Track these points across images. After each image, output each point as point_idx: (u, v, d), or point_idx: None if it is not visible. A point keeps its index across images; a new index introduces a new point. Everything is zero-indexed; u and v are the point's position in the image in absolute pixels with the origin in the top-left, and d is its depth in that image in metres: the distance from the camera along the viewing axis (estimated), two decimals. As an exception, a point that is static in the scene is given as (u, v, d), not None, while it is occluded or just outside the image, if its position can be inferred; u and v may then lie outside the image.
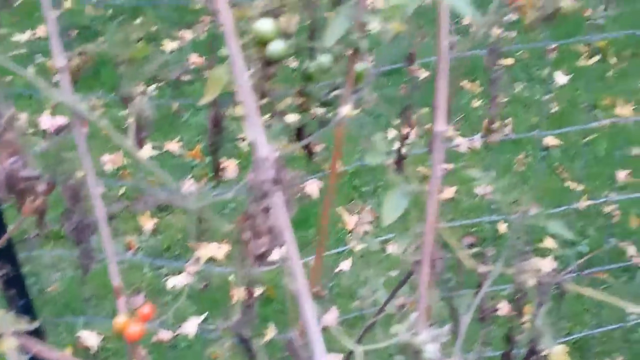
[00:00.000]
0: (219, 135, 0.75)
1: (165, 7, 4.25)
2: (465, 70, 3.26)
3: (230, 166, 2.62)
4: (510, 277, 0.89)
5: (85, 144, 0.67)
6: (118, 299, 0.68)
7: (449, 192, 2.58)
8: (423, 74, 3.27)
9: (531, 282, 0.86)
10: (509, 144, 2.76)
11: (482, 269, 0.90)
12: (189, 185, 2.65)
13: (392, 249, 2.21)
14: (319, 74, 0.69)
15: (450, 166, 2.69)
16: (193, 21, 3.80)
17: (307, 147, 0.81)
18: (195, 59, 3.40)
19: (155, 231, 2.48)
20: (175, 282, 2.30)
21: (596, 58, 3.14)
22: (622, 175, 2.50)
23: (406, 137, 0.85)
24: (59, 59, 0.63)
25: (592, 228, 2.29)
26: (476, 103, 3.03)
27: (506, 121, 2.87)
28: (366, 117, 3.09)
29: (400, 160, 0.83)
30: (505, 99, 3.01)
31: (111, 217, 0.74)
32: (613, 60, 3.14)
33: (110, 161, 2.76)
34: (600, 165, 2.56)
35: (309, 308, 0.63)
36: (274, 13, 0.67)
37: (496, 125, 3.04)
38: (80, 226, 0.65)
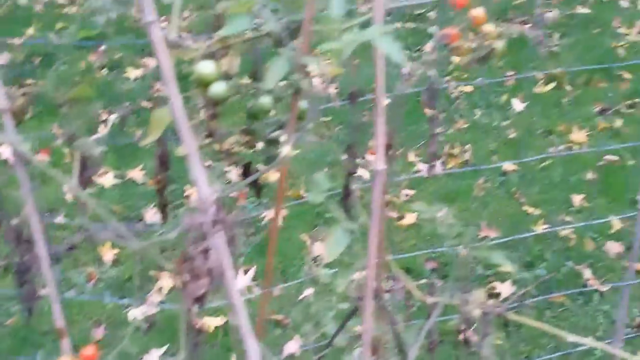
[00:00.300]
0: (165, 173, 0.75)
1: (129, 34, 4.25)
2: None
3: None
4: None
5: (31, 181, 0.67)
6: (62, 340, 0.67)
7: (411, 217, 2.61)
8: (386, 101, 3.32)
9: (476, 312, 0.87)
10: (469, 169, 2.81)
11: (430, 300, 0.92)
12: (151, 214, 2.63)
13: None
14: (262, 114, 0.71)
15: (412, 192, 2.73)
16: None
17: (255, 183, 0.82)
18: (159, 86, 3.40)
19: (116, 262, 2.45)
20: (136, 313, 2.28)
21: (552, 85, 3.24)
22: (577, 199, 2.57)
23: (353, 172, 0.87)
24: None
25: (549, 252, 2.34)
26: (437, 129, 3.08)
27: (466, 147, 2.93)
28: (331, 144, 3.12)
29: (347, 193, 0.85)
30: (465, 125, 3.08)
31: (71, 248, 0.74)
32: (568, 87, 3.24)
33: (70, 191, 2.73)
34: (556, 189, 2.63)
35: (251, 344, 0.64)
36: (216, 54, 0.68)
37: (456, 151, 3.08)
38: (22, 268, 0.65)
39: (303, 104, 0.73)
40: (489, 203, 2.63)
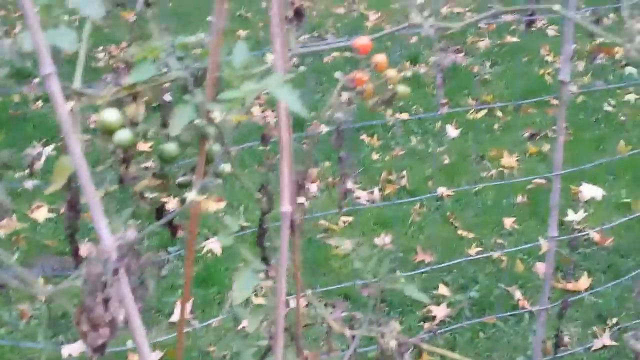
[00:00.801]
0: (75, 219, 0.75)
1: (67, 64, 4.17)
2: (363, 125, 3.39)
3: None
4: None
5: None
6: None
7: (349, 244, 2.63)
8: (324, 129, 3.37)
9: (392, 343, 0.90)
10: (406, 195, 2.87)
11: (348, 332, 0.94)
12: (85, 248, 2.57)
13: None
14: (170, 159, 0.72)
15: (350, 219, 2.77)
16: (96, 79, 3.75)
17: (170, 225, 0.83)
18: (95, 118, 3.35)
19: (49, 299, 2.38)
20: (70, 350, 2.22)
21: (484, 112, 3.35)
22: (508, 222, 2.65)
23: (268, 210, 0.88)
24: None
25: (482, 274, 2.40)
26: (375, 156, 3.15)
27: (402, 173, 2.99)
28: (269, 173, 3.14)
29: (262, 232, 0.86)
30: (402, 152, 3.15)
31: (1, 286, 0.72)
32: (499, 113, 3.36)
33: (2, 226, 2.66)
34: (489, 213, 2.71)
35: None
36: (121, 102, 0.69)
37: (393, 177, 3.14)
38: None
39: (215, 146, 0.75)
40: (425, 228, 2.69)
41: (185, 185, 0.77)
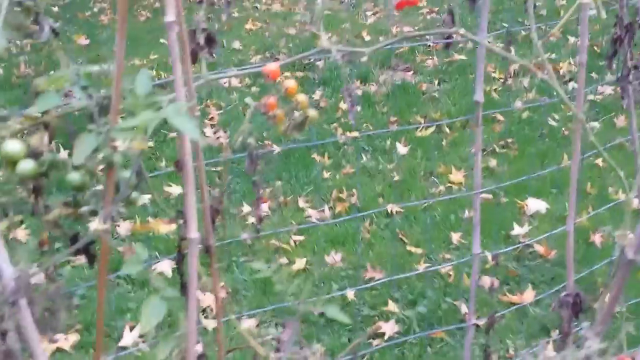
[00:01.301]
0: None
1: (16, 89, 4.13)
2: (316, 142, 3.42)
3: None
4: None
5: None
6: None
7: (301, 263, 2.65)
8: (276, 149, 3.39)
9: (315, 364, 0.91)
10: (355, 212, 2.90)
11: (273, 356, 0.95)
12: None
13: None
14: (77, 188, 0.72)
15: (301, 237, 2.78)
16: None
17: (87, 254, 0.82)
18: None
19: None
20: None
21: (432, 129, 3.41)
22: (455, 237, 2.70)
23: (185, 237, 0.88)
24: None
25: (430, 289, 2.44)
26: (326, 174, 3.17)
27: (353, 191, 3.02)
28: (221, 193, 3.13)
29: (180, 258, 0.87)
30: (352, 170, 3.18)
31: None
32: (447, 130, 3.43)
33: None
34: (437, 229, 2.75)
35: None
36: (26, 132, 0.69)
37: (343, 195, 3.15)
38: None
39: (125, 174, 0.75)
40: (375, 245, 2.71)
41: (97, 213, 0.77)
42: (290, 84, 0.79)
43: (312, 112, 0.80)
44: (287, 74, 4.12)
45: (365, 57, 0.81)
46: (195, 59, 0.79)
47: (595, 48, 4.00)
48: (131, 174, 0.69)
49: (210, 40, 0.79)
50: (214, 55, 0.81)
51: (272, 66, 0.78)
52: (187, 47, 0.71)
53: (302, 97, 0.80)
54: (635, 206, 2.34)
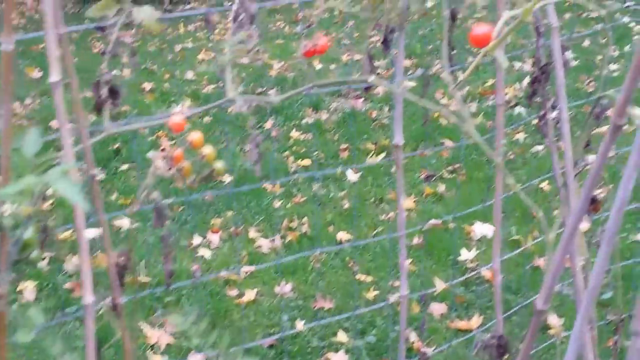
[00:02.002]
0: None
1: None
2: (266, 172, 3.42)
3: None
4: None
5: None
6: None
7: (251, 294, 2.63)
8: (227, 179, 3.38)
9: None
10: (306, 241, 2.90)
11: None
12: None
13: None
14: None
15: (252, 268, 2.76)
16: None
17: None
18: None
19: None
20: None
21: (382, 155, 3.45)
22: (405, 263, 2.72)
23: (121, 282, 0.87)
24: None
25: (379, 318, 2.44)
26: (277, 203, 3.17)
27: (303, 220, 3.02)
28: (171, 224, 3.10)
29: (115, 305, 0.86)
30: (303, 199, 3.19)
31: None
32: (397, 156, 3.47)
33: None
34: (386, 256, 2.77)
35: None
36: None
37: (294, 224, 3.15)
38: None
39: (27, 232, 0.74)
40: (325, 274, 2.72)
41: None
42: (195, 136, 0.80)
43: (219, 165, 0.80)
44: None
45: (273, 103, 0.82)
46: (99, 110, 0.79)
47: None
48: (19, 235, 0.68)
49: (113, 92, 0.79)
50: (117, 106, 0.81)
51: (176, 118, 0.79)
52: (79, 105, 0.71)
53: (208, 150, 0.80)
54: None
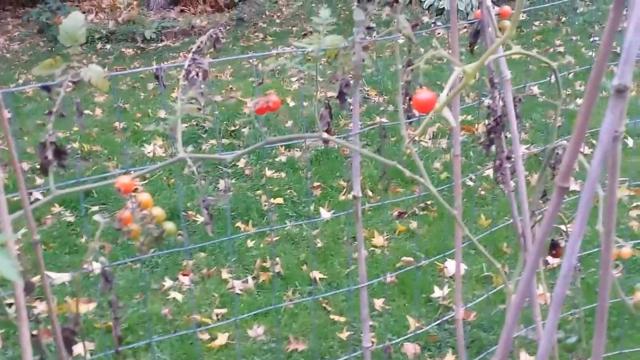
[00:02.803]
0: None
1: None
2: (240, 211, 3.40)
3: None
4: None
5: None
6: None
7: (223, 338, 2.58)
8: (200, 219, 3.35)
9: None
10: (279, 280, 2.87)
11: None
12: None
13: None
14: None
15: (224, 310, 2.72)
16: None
17: None
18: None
19: None
20: None
21: (355, 192, 3.45)
22: (378, 303, 2.70)
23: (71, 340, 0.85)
24: None
25: (353, 359, 2.41)
26: (250, 243, 3.14)
27: (277, 259, 2.99)
28: (142, 267, 3.05)
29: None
30: (276, 238, 3.16)
31: None
32: (369, 193, 3.47)
33: None
34: (360, 295, 2.74)
35: None
36: None
37: (267, 264, 3.11)
38: None
39: None
40: (298, 314, 2.68)
41: None
42: (144, 197, 0.78)
43: (169, 226, 0.79)
44: (213, 141, 4.13)
45: (229, 160, 0.81)
46: (45, 172, 0.77)
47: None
48: None
49: (59, 153, 0.78)
50: (64, 167, 0.79)
51: (124, 179, 0.77)
52: (18, 170, 0.69)
53: (158, 211, 0.79)
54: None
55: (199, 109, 0.83)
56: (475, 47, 1.04)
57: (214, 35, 0.92)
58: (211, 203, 0.79)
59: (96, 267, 3.21)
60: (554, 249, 1.28)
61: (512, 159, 1.04)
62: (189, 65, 0.85)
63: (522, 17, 6.78)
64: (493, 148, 1.20)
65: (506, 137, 1.08)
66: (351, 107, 1.18)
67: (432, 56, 0.96)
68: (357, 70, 0.94)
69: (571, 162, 0.56)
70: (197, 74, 0.87)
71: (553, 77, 0.92)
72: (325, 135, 0.89)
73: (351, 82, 0.96)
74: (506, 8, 0.95)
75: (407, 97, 1.09)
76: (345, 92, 0.95)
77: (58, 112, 0.79)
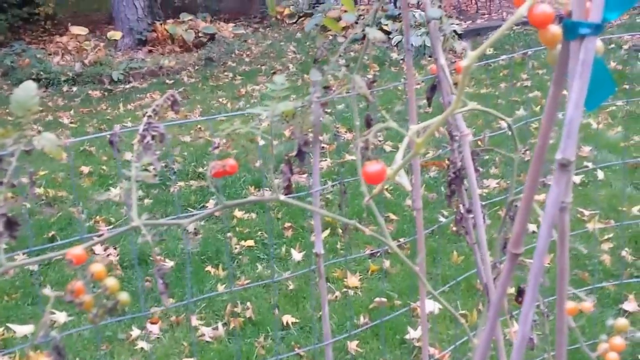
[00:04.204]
0: None
1: None
2: (209, 255, 3.35)
3: None
4: None
5: None
6: None
7: (194, 388, 2.52)
8: (169, 264, 3.30)
9: None
10: (250, 326, 2.82)
11: None
12: None
13: None
14: None
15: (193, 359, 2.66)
16: None
17: None
18: None
19: None
20: None
21: (327, 232, 3.44)
22: (352, 346, 2.67)
23: None
24: None
25: (327, 407, 2.36)
26: (220, 287, 3.09)
27: (248, 304, 2.95)
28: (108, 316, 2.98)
29: None
30: (247, 281, 3.12)
31: None
32: (340, 232, 3.46)
33: None
34: (333, 337, 2.71)
35: None
36: None
37: (238, 309, 3.06)
38: None
39: None
40: (270, 361, 2.63)
41: None
42: (97, 268, 0.76)
43: (123, 296, 0.77)
44: (182, 183, 4.09)
45: (185, 226, 0.80)
46: (-6, 246, 0.74)
47: (480, 143, 4.22)
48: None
49: (10, 224, 0.76)
50: (15, 238, 0.77)
51: (76, 250, 0.75)
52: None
53: (111, 282, 0.77)
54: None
55: (155, 176, 0.82)
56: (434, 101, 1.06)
57: (172, 98, 0.92)
58: (165, 271, 0.78)
59: (59, 318, 3.10)
60: (520, 296, 1.28)
61: (472, 212, 1.05)
62: (143, 130, 0.84)
63: (489, 51, 6.93)
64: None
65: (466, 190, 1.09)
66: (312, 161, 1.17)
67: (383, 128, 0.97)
68: (316, 128, 0.94)
69: (521, 230, 0.56)
70: (152, 138, 0.86)
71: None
72: (282, 197, 0.88)
73: (310, 140, 0.95)
74: (462, 64, 0.96)
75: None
76: (304, 151, 0.95)
77: (9, 182, 0.77)
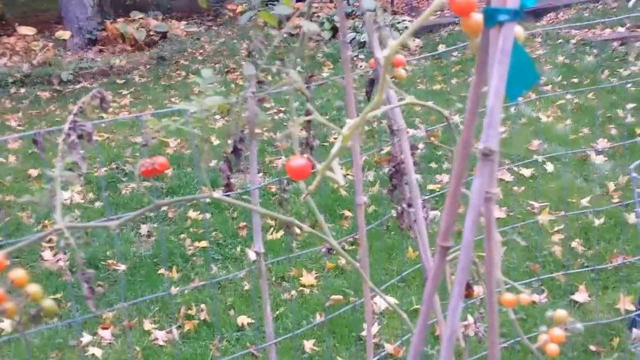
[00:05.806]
0: None
1: None
2: (163, 256, 3.29)
3: None
4: None
5: None
6: None
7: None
8: (121, 267, 3.22)
9: None
10: (205, 328, 2.78)
11: None
12: None
13: None
14: None
15: (148, 364, 2.60)
16: None
17: None
18: None
19: None
20: None
21: (282, 232, 3.41)
22: (308, 344, 2.65)
23: None
24: None
25: (284, 407, 2.35)
26: (174, 290, 3.04)
27: (202, 306, 2.91)
28: (58, 322, 2.89)
29: None
30: (202, 283, 3.08)
31: None
32: (297, 231, 3.44)
33: None
34: (289, 338, 2.69)
35: None
36: None
37: (192, 311, 3.01)
38: None
39: None
40: (226, 363, 2.60)
41: None
42: (18, 274, 0.72)
43: (48, 303, 0.73)
44: (134, 185, 4.01)
45: (113, 227, 0.76)
46: None
47: (433, 138, 4.26)
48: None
49: None
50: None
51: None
52: None
53: (33, 289, 0.73)
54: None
55: (80, 175, 0.78)
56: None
57: (99, 95, 0.88)
58: (90, 277, 0.74)
59: (6, 326, 3.00)
60: (467, 289, 1.28)
61: (412, 206, 1.04)
62: (69, 129, 0.80)
63: (442, 47, 7.00)
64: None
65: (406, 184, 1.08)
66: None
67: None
68: (252, 125, 0.91)
69: (449, 223, 0.55)
70: (79, 137, 0.83)
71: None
72: (216, 194, 0.86)
73: (246, 136, 0.93)
74: (399, 57, 0.95)
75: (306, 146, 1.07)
76: (240, 148, 0.93)
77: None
